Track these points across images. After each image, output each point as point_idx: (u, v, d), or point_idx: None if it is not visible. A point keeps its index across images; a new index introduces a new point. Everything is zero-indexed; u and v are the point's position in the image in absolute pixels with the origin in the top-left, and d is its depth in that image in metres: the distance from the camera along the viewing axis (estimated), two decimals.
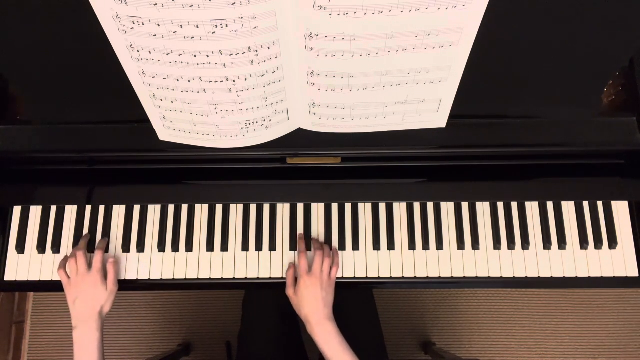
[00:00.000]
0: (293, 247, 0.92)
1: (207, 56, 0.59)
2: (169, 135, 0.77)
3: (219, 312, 1.59)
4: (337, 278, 0.90)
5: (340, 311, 0.83)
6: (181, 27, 0.56)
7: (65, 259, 0.88)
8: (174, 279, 0.91)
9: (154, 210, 0.94)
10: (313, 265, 0.85)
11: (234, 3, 0.53)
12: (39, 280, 0.91)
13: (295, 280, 0.86)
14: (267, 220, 0.94)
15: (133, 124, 0.79)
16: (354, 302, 1.05)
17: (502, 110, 0.79)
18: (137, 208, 0.94)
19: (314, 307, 0.80)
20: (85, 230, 0.93)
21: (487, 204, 0.93)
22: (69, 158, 0.86)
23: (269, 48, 0.60)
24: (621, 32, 0.68)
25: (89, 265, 0.84)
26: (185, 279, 0.91)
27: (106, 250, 0.92)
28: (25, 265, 0.91)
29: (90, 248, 0.91)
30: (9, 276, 0.91)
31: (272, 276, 0.91)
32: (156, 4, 0.53)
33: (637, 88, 0.80)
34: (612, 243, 0.90)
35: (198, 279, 0.91)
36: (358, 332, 0.99)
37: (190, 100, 0.68)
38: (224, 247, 0.92)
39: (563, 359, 1.58)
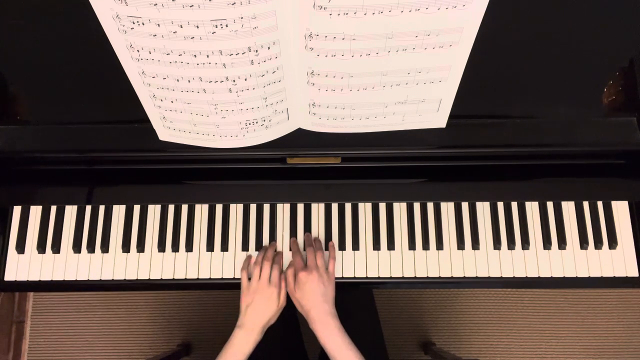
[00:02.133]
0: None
1: (207, 56, 0.60)
2: (169, 135, 0.77)
3: (219, 312, 1.59)
4: (337, 278, 0.90)
5: (341, 311, 0.83)
6: (181, 27, 0.56)
7: (248, 259, 0.90)
8: (174, 279, 0.91)
9: (154, 210, 0.94)
10: (307, 261, 0.85)
11: (234, 3, 0.53)
12: (39, 280, 0.91)
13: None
14: (267, 220, 0.94)
15: (133, 124, 0.79)
16: (355, 302, 1.05)
17: (502, 110, 0.79)
18: (137, 208, 0.94)
19: (313, 303, 0.80)
20: (86, 231, 0.93)
21: (487, 204, 0.93)
22: (69, 158, 0.86)
23: (269, 48, 0.60)
24: (621, 32, 0.68)
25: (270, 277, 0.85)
26: (185, 279, 0.91)
27: (106, 250, 0.92)
28: (25, 265, 0.91)
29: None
30: (9, 276, 0.91)
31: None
32: (156, 4, 0.53)
33: (637, 88, 0.80)
34: (612, 243, 0.90)
35: (198, 279, 0.91)
36: (358, 333, 0.98)
37: (190, 100, 0.68)
38: (224, 247, 0.92)
39: (563, 359, 1.58)
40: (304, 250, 0.90)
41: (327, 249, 0.91)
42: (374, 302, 1.09)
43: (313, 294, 0.81)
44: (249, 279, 0.86)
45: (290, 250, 0.91)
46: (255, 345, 0.81)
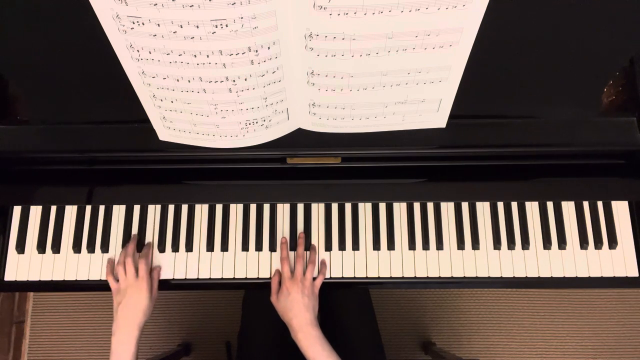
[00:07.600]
0: (293, 247, 0.92)
1: (207, 56, 0.60)
2: (169, 135, 0.77)
3: (219, 312, 1.59)
4: (337, 278, 0.90)
5: (338, 312, 0.84)
6: (181, 27, 0.56)
7: (112, 263, 0.89)
8: (174, 279, 0.91)
9: (154, 210, 0.94)
10: (294, 270, 0.85)
11: (234, 3, 0.53)
12: (39, 280, 0.91)
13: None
14: (267, 220, 0.94)
15: (133, 124, 0.79)
16: (351, 303, 1.04)
17: (502, 110, 0.79)
18: (137, 208, 0.94)
19: (295, 312, 0.80)
20: (86, 231, 0.93)
21: (487, 204, 0.93)
22: (69, 158, 0.86)
23: (269, 48, 0.60)
24: (621, 32, 0.68)
25: (137, 271, 0.84)
26: (186, 279, 0.91)
27: (106, 250, 0.92)
28: (25, 265, 0.91)
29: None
30: (9, 276, 0.91)
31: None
32: (156, 4, 0.53)
33: (637, 88, 0.80)
34: (612, 243, 0.90)
35: (198, 279, 0.91)
36: (355, 333, 0.99)
37: (190, 100, 0.68)
38: (224, 247, 0.92)
39: (563, 359, 1.58)
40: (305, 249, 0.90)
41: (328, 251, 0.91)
42: (371, 302, 1.09)
43: (296, 304, 0.81)
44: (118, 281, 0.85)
45: (289, 250, 0.91)
46: (137, 342, 0.79)
